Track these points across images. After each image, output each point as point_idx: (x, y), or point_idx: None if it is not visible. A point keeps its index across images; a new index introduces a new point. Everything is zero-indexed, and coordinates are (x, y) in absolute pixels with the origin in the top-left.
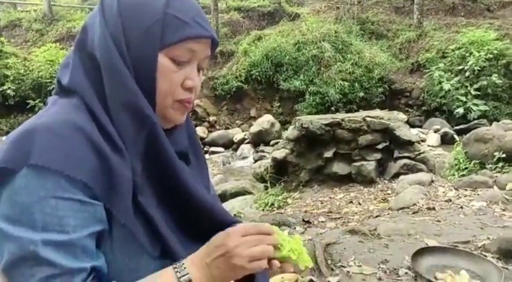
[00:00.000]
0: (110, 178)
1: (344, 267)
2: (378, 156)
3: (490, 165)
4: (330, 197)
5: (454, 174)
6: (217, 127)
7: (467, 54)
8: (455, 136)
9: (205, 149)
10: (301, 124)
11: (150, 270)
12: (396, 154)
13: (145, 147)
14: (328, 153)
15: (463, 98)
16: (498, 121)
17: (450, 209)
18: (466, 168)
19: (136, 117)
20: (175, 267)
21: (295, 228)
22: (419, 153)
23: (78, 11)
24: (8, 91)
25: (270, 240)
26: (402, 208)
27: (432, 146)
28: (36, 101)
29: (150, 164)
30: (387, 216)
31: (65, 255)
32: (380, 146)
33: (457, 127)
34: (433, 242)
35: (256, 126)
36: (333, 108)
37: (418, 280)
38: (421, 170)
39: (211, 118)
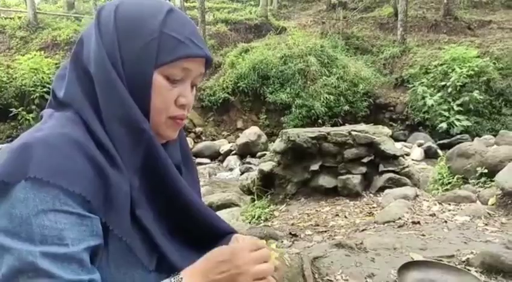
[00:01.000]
0: (107, 192)
1: (331, 281)
2: (363, 169)
3: (473, 180)
4: (317, 210)
5: (438, 189)
6: (204, 138)
7: (450, 71)
8: (439, 150)
9: None
10: (288, 137)
11: None
12: (381, 168)
13: (143, 161)
14: (315, 166)
15: (446, 113)
16: (480, 136)
17: (434, 223)
18: (449, 182)
19: (133, 131)
20: (172, 280)
21: (282, 241)
22: (404, 168)
23: (63, 20)
24: None
25: (270, 257)
26: (388, 222)
27: (416, 160)
28: (19, 109)
29: (147, 177)
30: (373, 229)
31: (63, 268)
32: (365, 160)
33: (440, 141)
34: (419, 256)
35: (242, 138)
36: (319, 121)
37: None
38: (405, 184)
39: (198, 129)
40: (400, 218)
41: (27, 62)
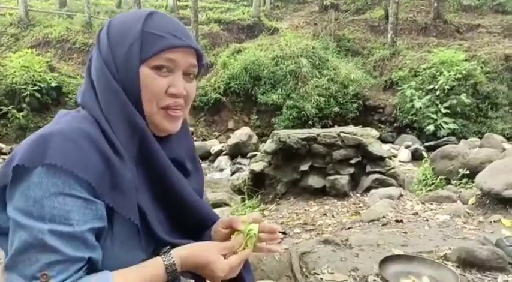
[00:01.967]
0: (113, 179)
1: (318, 274)
2: (351, 170)
3: (455, 181)
4: (305, 209)
5: (421, 189)
6: (195, 138)
7: (438, 74)
8: (424, 153)
9: None
10: (279, 138)
11: None
12: (368, 169)
13: (138, 151)
14: (304, 167)
15: (434, 116)
16: (466, 139)
17: (417, 221)
18: (433, 183)
19: (129, 124)
20: (163, 256)
21: None
22: (390, 169)
23: (55, 17)
24: None
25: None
26: (372, 220)
27: (403, 162)
28: (10, 107)
29: (143, 166)
30: (358, 227)
31: (68, 245)
32: (353, 161)
33: (427, 144)
34: (400, 251)
35: (233, 138)
36: (309, 122)
37: None
38: (391, 185)
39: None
40: (384, 217)
41: (18, 60)
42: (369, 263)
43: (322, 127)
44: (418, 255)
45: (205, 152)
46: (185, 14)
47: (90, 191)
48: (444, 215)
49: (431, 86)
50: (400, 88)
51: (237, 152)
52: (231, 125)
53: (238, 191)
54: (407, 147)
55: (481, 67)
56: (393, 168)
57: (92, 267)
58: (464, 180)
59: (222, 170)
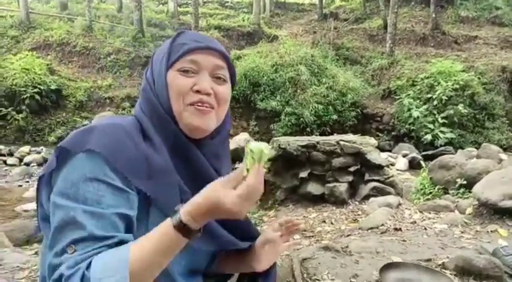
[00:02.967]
0: (151, 170)
1: (318, 280)
2: (350, 178)
3: (452, 191)
4: (304, 216)
5: (419, 198)
6: None
7: (436, 84)
8: (422, 162)
9: None
10: (279, 145)
11: None
12: (367, 177)
13: (173, 151)
14: (304, 174)
15: (431, 126)
16: (463, 149)
17: (415, 230)
18: (430, 192)
19: (165, 129)
20: (171, 217)
21: None
22: (388, 177)
23: (56, 20)
24: None
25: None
26: (371, 228)
27: (400, 170)
28: (9, 109)
29: (176, 165)
30: (357, 235)
31: (96, 224)
32: (352, 169)
33: (424, 153)
34: (399, 259)
35: (232, 144)
36: (308, 129)
37: None
38: (389, 193)
39: None
40: (383, 225)
41: (18, 62)
42: (369, 270)
43: (321, 134)
44: (417, 263)
45: None
46: (186, 20)
47: (124, 180)
48: (442, 224)
49: (429, 96)
50: (398, 97)
51: (235, 157)
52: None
53: None
54: (404, 156)
55: (478, 78)
56: (391, 176)
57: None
58: (461, 190)
59: None
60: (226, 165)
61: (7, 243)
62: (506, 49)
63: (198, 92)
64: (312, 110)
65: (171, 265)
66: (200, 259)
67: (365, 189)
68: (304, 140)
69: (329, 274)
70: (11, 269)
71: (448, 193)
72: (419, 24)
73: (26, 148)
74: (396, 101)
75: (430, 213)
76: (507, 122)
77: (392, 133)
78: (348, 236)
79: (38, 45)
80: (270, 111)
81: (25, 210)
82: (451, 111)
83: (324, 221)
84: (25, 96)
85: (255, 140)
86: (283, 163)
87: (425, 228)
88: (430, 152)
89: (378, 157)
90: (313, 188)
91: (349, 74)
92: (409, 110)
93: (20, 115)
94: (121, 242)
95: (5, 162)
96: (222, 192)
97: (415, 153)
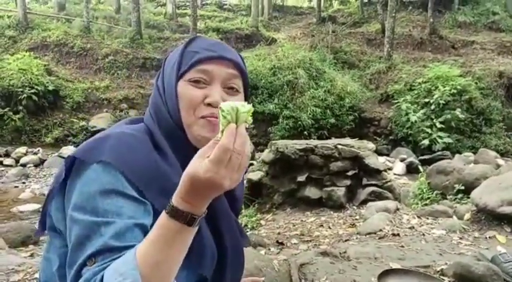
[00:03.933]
0: (164, 184)
1: None
2: (348, 182)
3: (450, 196)
4: (302, 220)
5: (417, 203)
6: None
7: (433, 88)
8: (420, 166)
9: None
10: (277, 148)
11: None
12: (364, 181)
13: (181, 164)
14: (301, 178)
15: (428, 130)
16: (460, 153)
17: (413, 235)
18: (428, 198)
19: (174, 139)
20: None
21: (270, 249)
22: (386, 182)
23: (54, 21)
24: None
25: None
26: (369, 233)
27: (398, 174)
28: (6, 110)
29: None
30: (356, 240)
31: (116, 235)
32: (350, 173)
33: (422, 157)
34: (397, 265)
35: None
36: (305, 132)
37: None
38: (387, 198)
39: None
40: (381, 230)
41: (15, 62)
42: (367, 276)
43: (318, 138)
44: (416, 270)
45: None
46: (184, 22)
47: (139, 192)
48: (440, 230)
49: (427, 100)
50: (395, 102)
51: None
52: None
53: None
54: (402, 160)
55: (476, 83)
56: (389, 181)
57: None
58: (459, 196)
59: None
60: None
61: (2, 245)
62: (503, 54)
63: (209, 105)
64: (309, 114)
65: None
66: None
67: (363, 193)
68: (302, 143)
69: (327, 280)
70: (6, 271)
71: (446, 198)
72: (417, 29)
73: (22, 149)
74: (394, 105)
75: (428, 218)
76: (504, 127)
77: (390, 137)
78: (346, 241)
79: (35, 46)
80: (267, 114)
81: (21, 211)
82: (449, 116)
83: (322, 225)
84: (22, 97)
85: (253, 142)
86: (281, 166)
87: (424, 234)
88: (427, 157)
89: (376, 161)
90: (311, 192)
91: (347, 77)
92: (406, 114)
93: (17, 116)
94: None
95: (1, 162)
96: (197, 162)
97: (412, 158)
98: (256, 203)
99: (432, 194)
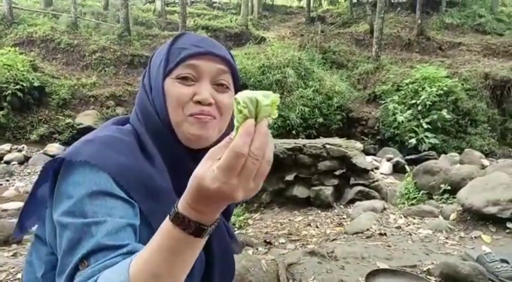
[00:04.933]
0: (151, 188)
1: None
2: (335, 182)
3: (437, 196)
4: (290, 219)
5: (404, 203)
6: None
7: (420, 89)
8: (406, 166)
9: None
10: None
11: None
12: (352, 181)
13: (171, 169)
14: (290, 177)
15: (415, 130)
16: (446, 153)
17: (400, 235)
18: (415, 197)
19: (162, 139)
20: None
21: (257, 248)
22: (373, 181)
23: (40, 16)
24: None
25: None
26: (357, 233)
27: (385, 174)
28: None
29: (173, 179)
30: (343, 240)
31: (108, 234)
32: (337, 173)
33: (408, 157)
34: (384, 265)
35: None
36: (293, 132)
37: None
38: (374, 197)
39: None
40: (368, 230)
41: (0, 58)
42: (355, 276)
43: (307, 137)
44: (403, 270)
45: None
46: (173, 20)
47: (127, 194)
48: (426, 230)
49: (414, 101)
50: (383, 102)
51: None
52: None
53: None
54: (388, 160)
55: (462, 84)
56: (376, 181)
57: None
58: (445, 196)
59: None
60: None
61: None
62: (488, 56)
63: (198, 103)
64: (298, 113)
65: None
66: None
67: (350, 193)
68: (290, 142)
69: (315, 280)
70: None
71: (433, 198)
72: (405, 30)
73: (6, 146)
74: (381, 105)
75: (414, 218)
76: (489, 128)
77: (377, 137)
78: (333, 240)
79: (21, 41)
80: None
81: (4, 210)
82: (435, 117)
83: (310, 225)
84: (7, 93)
85: None
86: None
87: (410, 234)
88: (413, 156)
89: (364, 161)
90: (299, 191)
91: (336, 77)
92: (393, 114)
93: (1, 112)
94: (133, 251)
95: None
96: (205, 165)
97: (399, 157)
98: (244, 202)
99: (419, 193)
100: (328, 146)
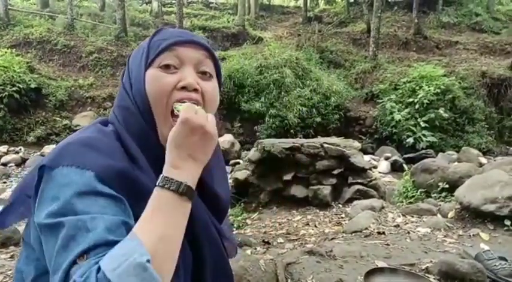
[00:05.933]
0: (134, 187)
1: None
2: (334, 181)
3: (435, 195)
4: (288, 219)
5: (402, 201)
6: None
7: (417, 88)
8: (404, 165)
9: None
10: (263, 147)
11: None
12: (350, 180)
13: (155, 171)
14: (288, 176)
15: (413, 129)
16: (444, 152)
17: (398, 234)
18: (413, 196)
19: (145, 142)
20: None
21: (256, 248)
22: (371, 180)
23: (36, 17)
24: None
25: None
26: (355, 232)
27: (383, 173)
28: None
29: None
30: (341, 239)
31: (109, 229)
32: (335, 172)
33: (406, 155)
34: (383, 263)
35: None
36: (291, 131)
37: None
38: (372, 196)
39: None
40: (366, 228)
41: None
42: (353, 274)
43: (305, 137)
44: (401, 268)
45: None
46: (170, 20)
47: (115, 191)
48: (425, 228)
49: (411, 100)
50: (380, 101)
51: None
52: None
53: None
54: (386, 158)
55: (459, 83)
56: (374, 179)
57: None
58: (443, 194)
59: None
60: (219, 175)
61: None
62: (485, 55)
63: (183, 88)
64: (296, 113)
65: None
66: None
67: (348, 192)
68: (288, 142)
69: (313, 279)
70: None
71: (431, 196)
72: (402, 29)
73: (3, 148)
74: (379, 104)
75: (413, 216)
76: (486, 126)
77: (375, 136)
78: (332, 239)
79: (17, 43)
80: (254, 113)
81: None
82: (432, 115)
83: (308, 224)
84: (3, 95)
85: (239, 141)
86: (267, 165)
87: (409, 232)
88: (411, 155)
89: (362, 160)
90: (297, 190)
91: (333, 77)
92: (391, 113)
93: None
94: None
95: None
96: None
97: (396, 156)
98: (242, 202)
99: (417, 192)
100: (326, 146)
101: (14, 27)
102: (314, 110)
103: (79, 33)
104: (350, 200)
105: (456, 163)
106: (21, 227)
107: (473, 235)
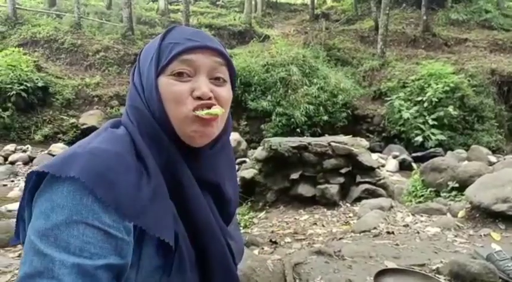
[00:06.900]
0: (144, 204)
1: None
2: (341, 180)
3: (444, 194)
4: (295, 218)
5: (411, 201)
6: None
7: (426, 86)
8: (413, 163)
9: None
10: (270, 146)
11: None
12: (358, 179)
13: (165, 172)
14: (295, 175)
15: (422, 127)
16: (452, 150)
17: (407, 233)
18: (422, 195)
19: (157, 144)
20: None
21: (263, 248)
22: (380, 179)
23: (44, 16)
24: None
25: None
26: (364, 231)
27: (391, 172)
28: None
29: (169, 189)
30: (350, 238)
31: (76, 279)
32: (343, 170)
33: (415, 154)
34: (393, 264)
35: None
36: (298, 130)
37: None
38: (381, 195)
39: None
40: (375, 228)
41: (4, 58)
42: (362, 275)
43: (311, 135)
44: (412, 269)
45: None
46: (176, 18)
47: (115, 218)
48: (435, 228)
49: (419, 98)
50: (388, 99)
51: None
52: None
53: None
54: (395, 157)
55: (468, 80)
56: (383, 178)
57: None
58: (453, 193)
59: None
60: (228, 174)
61: None
62: (495, 52)
63: (198, 98)
64: (303, 111)
65: None
66: None
67: (356, 191)
68: (295, 140)
69: (322, 280)
70: None
71: (440, 196)
72: (410, 26)
73: (11, 146)
74: (387, 102)
75: (422, 216)
76: (496, 124)
77: (383, 134)
78: (340, 239)
79: (24, 42)
80: (260, 111)
81: (9, 210)
82: (441, 113)
83: (316, 223)
84: (11, 94)
85: (246, 140)
86: (274, 164)
87: (418, 232)
88: (420, 154)
89: (369, 159)
90: (304, 189)
91: (340, 74)
92: (399, 111)
93: (6, 113)
94: None
95: None
96: None
97: (405, 155)
98: (249, 201)
99: (426, 191)
100: (333, 144)
101: (21, 26)
102: (321, 108)
103: (86, 31)
104: (358, 199)
105: (466, 162)
106: None
107: (484, 235)
